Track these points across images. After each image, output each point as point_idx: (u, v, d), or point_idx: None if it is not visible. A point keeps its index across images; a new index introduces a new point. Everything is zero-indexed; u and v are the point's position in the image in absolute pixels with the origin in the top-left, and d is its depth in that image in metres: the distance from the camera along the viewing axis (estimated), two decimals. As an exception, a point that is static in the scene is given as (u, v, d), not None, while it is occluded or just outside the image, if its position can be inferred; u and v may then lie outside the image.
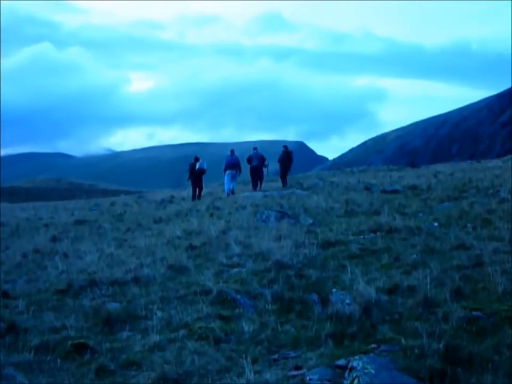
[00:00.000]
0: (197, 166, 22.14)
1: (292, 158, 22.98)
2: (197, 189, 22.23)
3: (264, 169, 22.77)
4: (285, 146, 23.60)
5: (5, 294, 7.81)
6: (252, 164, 22.04)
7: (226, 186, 21.92)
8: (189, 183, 22.86)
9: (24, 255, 11.25)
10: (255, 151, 22.52)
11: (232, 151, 23.18)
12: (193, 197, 21.94)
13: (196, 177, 22.21)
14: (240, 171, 22.23)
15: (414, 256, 8.55)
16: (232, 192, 21.38)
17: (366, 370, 4.23)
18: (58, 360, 5.39)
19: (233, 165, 21.79)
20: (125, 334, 6.08)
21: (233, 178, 21.93)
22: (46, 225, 17.41)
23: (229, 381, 4.69)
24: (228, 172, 21.74)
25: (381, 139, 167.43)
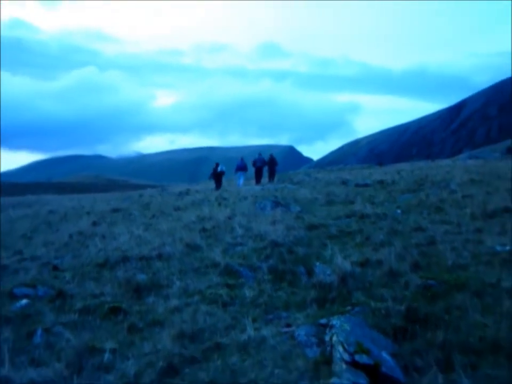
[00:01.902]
0: (218, 169, 24.24)
1: (276, 162, 24.87)
2: (218, 184, 24.24)
3: (264, 169, 24.78)
4: (271, 154, 25.33)
5: (55, 268, 7.81)
6: (256, 165, 24.10)
7: (237, 182, 24.04)
8: (211, 181, 25.30)
9: (71, 236, 11.22)
10: (259, 156, 24.52)
11: (242, 158, 25.31)
12: (216, 189, 23.63)
13: (217, 177, 24.29)
14: (247, 171, 24.79)
15: (381, 236, 8.49)
16: (240, 185, 23.64)
17: (343, 327, 4.21)
18: (98, 320, 5.40)
19: (242, 167, 24.36)
20: (150, 299, 6.07)
21: (243, 176, 24.30)
22: (88, 213, 17.34)
23: (234, 336, 4.68)
24: (238, 172, 24.23)
25: (355, 143, 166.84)
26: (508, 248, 7.04)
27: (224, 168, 24.63)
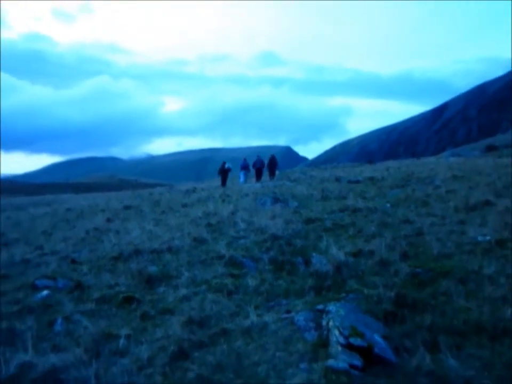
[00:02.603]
0: (225, 166, 24.97)
1: (276, 162, 25.37)
2: (224, 180, 24.89)
3: (264, 169, 25.36)
4: (272, 155, 25.90)
5: (73, 261, 7.80)
6: (256, 166, 24.82)
7: (241, 180, 25.03)
8: (219, 177, 25.73)
9: (87, 232, 11.18)
10: (258, 158, 25.30)
11: (244, 159, 26.22)
12: (222, 185, 24.23)
13: (224, 174, 24.93)
14: (249, 170, 25.63)
15: (373, 228, 8.47)
16: (244, 182, 24.51)
17: (338, 313, 4.20)
18: (113, 308, 5.40)
19: (245, 167, 25.27)
20: (161, 289, 6.06)
21: (245, 175, 25.23)
22: (102, 210, 17.28)
23: (238, 322, 4.68)
24: (242, 171, 25.27)
25: (347, 143, 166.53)
26: (488, 238, 7.02)
27: (230, 166, 25.45)
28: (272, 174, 24.90)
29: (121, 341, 4.34)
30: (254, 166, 24.93)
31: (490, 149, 38.04)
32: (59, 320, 4.97)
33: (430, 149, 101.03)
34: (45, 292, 5.94)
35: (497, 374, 3.49)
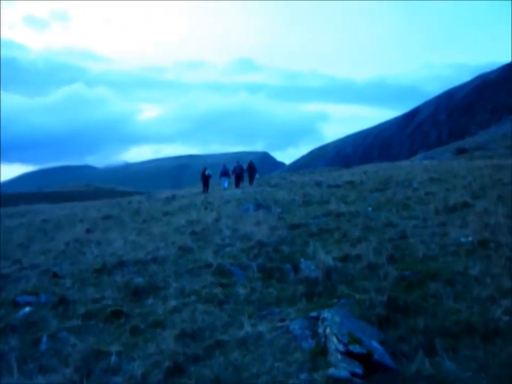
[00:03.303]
0: (206, 173, 25.36)
1: (255, 167, 25.81)
2: (206, 186, 25.34)
3: (244, 174, 25.71)
4: (251, 161, 26.35)
5: (55, 275, 7.49)
6: (235, 172, 25.06)
7: (223, 185, 25.27)
8: (198, 184, 26.43)
9: (67, 244, 10.80)
10: (237, 164, 25.56)
11: (224, 165, 26.34)
12: (203, 192, 24.63)
13: (205, 180, 25.37)
14: (229, 176, 25.75)
15: (357, 233, 8.50)
16: (225, 188, 24.70)
17: (334, 320, 4.16)
18: (101, 323, 5.20)
19: (225, 173, 25.45)
20: (149, 301, 5.88)
21: (225, 181, 25.45)
22: (81, 220, 16.81)
23: (232, 333, 4.57)
24: (223, 177, 25.50)
25: (323, 148, 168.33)
26: (470, 239, 7.16)
27: (211, 172, 25.84)
28: (251, 179, 25.17)
29: (113, 358, 4.18)
30: (233, 172, 25.15)
31: (460, 151, 39.18)
32: (44, 338, 4.74)
33: (403, 152, 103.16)
34: (27, 309, 5.66)
35: (493, 374, 3.52)
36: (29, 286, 6.76)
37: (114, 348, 4.40)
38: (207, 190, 25.11)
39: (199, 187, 28.17)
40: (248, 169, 25.36)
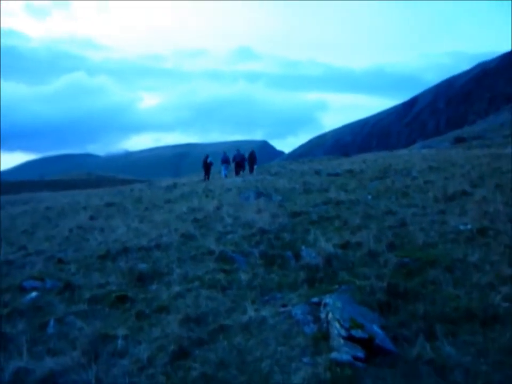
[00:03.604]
0: (208, 160, 25.12)
1: (255, 157, 25.73)
2: (208, 174, 25.22)
3: (245, 163, 25.52)
4: (252, 150, 26.49)
5: (60, 260, 7.51)
6: (235, 160, 24.77)
7: (223, 173, 25.03)
8: (199, 172, 26.37)
9: (71, 231, 10.80)
10: (237, 152, 25.25)
11: (224, 152, 25.95)
12: (204, 179, 24.55)
13: (207, 167, 25.20)
14: (229, 164, 25.44)
15: (357, 220, 8.51)
16: (226, 176, 24.31)
17: (335, 305, 4.19)
18: (106, 308, 5.23)
19: (225, 160, 25.05)
20: (154, 286, 5.91)
21: (226, 168, 25.11)
22: (84, 208, 16.76)
23: (236, 318, 4.61)
24: (223, 165, 25.08)
25: (322, 137, 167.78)
26: (469, 227, 7.18)
27: (212, 160, 25.77)
28: (252, 168, 25.18)
29: (119, 342, 4.21)
30: (234, 160, 24.98)
31: (459, 140, 39.01)
32: (52, 322, 4.78)
33: (401, 141, 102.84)
34: (34, 294, 5.70)
35: (492, 359, 3.55)
36: (34, 271, 6.79)
37: (121, 331, 4.44)
38: (208, 177, 25.11)
39: (200, 175, 28.16)
40: (249, 158, 25.30)
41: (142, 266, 6.72)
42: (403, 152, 34.04)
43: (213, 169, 26.83)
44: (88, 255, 7.74)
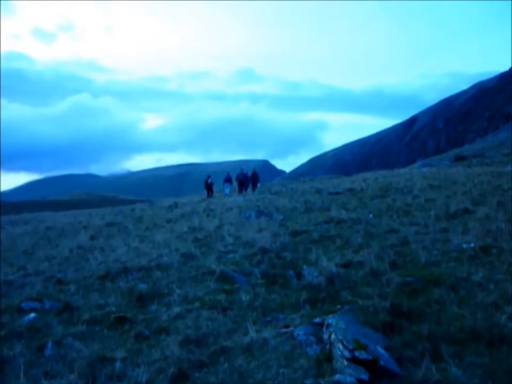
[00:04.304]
0: (209, 181, 26.07)
1: (258, 176, 26.49)
2: (210, 193, 26.08)
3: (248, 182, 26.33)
4: (254, 170, 27.08)
5: (59, 281, 7.43)
6: (238, 179, 25.73)
7: (225, 192, 25.94)
8: (200, 192, 27.22)
9: (71, 251, 10.74)
10: (241, 171, 26.31)
11: (228, 172, 26.96)
12: (207, 197, 25.44)
13: (208, 186, 26.09)
14: (231, 183, 26.51)
15: (359, 239, 8.46)
16: (228, 195, 25.04)
17: (338, 326, 4.11)
18: (105, 330, 5.14)
19: (228, 180, 26.09)
20: (154, 307, 5.83)
21: (228, 187, 26.15)
22: (85, 227, 16.73)
23: (237, 339, 4.52)
24: (226, 183, 26.12)
25: (323, 156, 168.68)
26: (472, 245, 7.11)
27: (214, 180, 26.63)
28: (254, 187, 25.68)
29: (117, 364, 4.12)
30: (237, 179, 25.74)
31: (459, 158, 39.13)
32: (49, 344, 4.68)
33: (401, 160, 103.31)
34: (32, 315, 5.60)
35: (499, 381, 3.46)
36: (33, 292, 6.71)
37: (119, 354, 4.35)
38: (211, 195, 25.91)
39: (201, 195, 28.48)
40: (252, 178, 25.99)
41: (142, 286, 6.65)
42: (403, 171, 34.08)
43: (216, 188, 27.29)
44: (88, 275, 7.66)
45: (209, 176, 26.63)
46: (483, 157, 35.86)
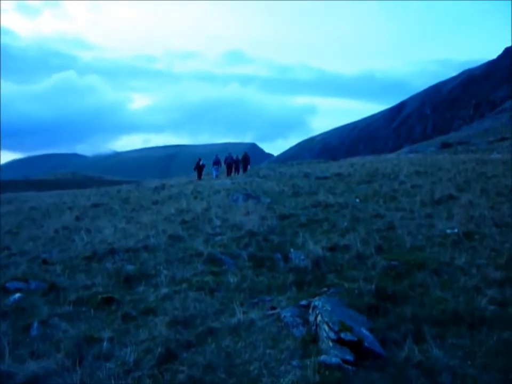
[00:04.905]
0: (200, 163, 26.27)
1: (249, 158, 27.10)
2: (200, 175, 26.33)
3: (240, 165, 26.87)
4: (245, 152, 27.75)
5: (45, 261, 7.35)
6: (226, 162, 26.01)
7: (213, 174, 26.15)
8: (195, 172, 26.78)
9: (56, 231, 10.60)
10: (229, 155, 26.56)
11: (216, 155, 26.93)
12: (198, 179, 25.65)
13: (199, 169, 26.30)
14: (220, 166, 26.34)
15: (346, 223, 8.56)
16: (216, 177, 25.27)
17: (324, 308, 4.17)
18: (92, 310, 5.13)
19: (217, 162, 26.15)
20: (141, 288, 5.83)
21: (217, 170, 26.20)
22: (70, 208, 16.49)
23: (224, 320, 4.56)
24: (214, 166, 26.15)
25: (311, 140, 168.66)
26: (456, 230, 7.26)
27: (205, 162, 27.01)
28: (245, 169, 26.31)
29: (104, 344, 4.12)
30: (225, 162, 25.92)
31: (445, 145, 39.58)
32: (35, 324, 4.66)
33: (388, 145, 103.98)
34: (17, 295, 5.54)
35: (480, 362, 3.57)
36: (18, 272, 6.63)
37: (106, 334, 4.35)
38: (200, 178, 26.12)
39: (189, 176, 28.46)
40: (243, 160, 26.55)
41: (129, 267, 6.63)
42: (390, 156, 34.36)
43: (204, 171, 27.22)
44: (74, 256, 7.59)
45: (200, 159, 26.90)
46: (468, 144, 36.35)
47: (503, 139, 33.99)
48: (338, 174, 17.86)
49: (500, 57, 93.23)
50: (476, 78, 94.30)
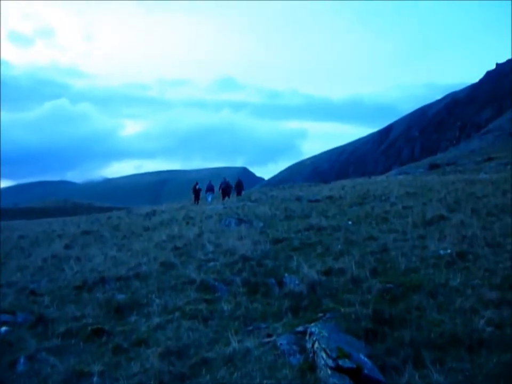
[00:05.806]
0: (197, 187, 27.50)
1: (242, 184, 27.92)
2: (197, 199, 27.39)
3: (232, 190, 27.55)
4: (239, 179, 28.62)
5: (32, 292, 7.15)
6: (221, 187, 26.63)
7: (208, 200, 26.91)
8: (188, 196, 28.54)
9: (45, 260, 10.34)
10: (224, 180, 27.13)
11: (210, 181, 28.15)
12: (195, 203, 26.62)
13: (196, 192, 27.42)
14: (213, 192, 27.45)
15: (339, 246, 8.50)
16: (211, 203, 25.70)
17: (321, 334, 4.08)
18: (81, 343, 4.96)
19: (210, 188, 27.47)
20: (132, 318, 5.68)
21: (210, 195, 27.26)
22: (59, 236, 16.20)
23: (219, 350, 4.43)
24: (208, 192, 27.31)
25: (301, 164, 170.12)
26: (449, 251, 7.25)
27: (201, 186, 28.06)
28: (239, 194, 26.90)
29: (95, 379, 3.97)
30: (220, 187, 26.59)
31: (433, 166, 40.17)
32: (22, 360, 4.48)
33: (378, 168, 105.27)
34: (3, 328, 5.36)
35: (480, 386, 3.50)
36: (5, 304, 6.41)
37: (96, 368, 4.19)
38: (198, 202, 27.03)
39: (180, 202, 28.56)
40: (237, 185, 27.44)
41: (120, 297, 6.47)
42: (380, 178, 34.66)
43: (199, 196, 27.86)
44: (63, 286, 7.41)
45: (197, 183, 27.93)
46: (456, 165, 36.95)
47: (489, 159, 34.66)
48: (330, 197, 17.89)
49: (482, 81, 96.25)
50: (460, 101, 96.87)
